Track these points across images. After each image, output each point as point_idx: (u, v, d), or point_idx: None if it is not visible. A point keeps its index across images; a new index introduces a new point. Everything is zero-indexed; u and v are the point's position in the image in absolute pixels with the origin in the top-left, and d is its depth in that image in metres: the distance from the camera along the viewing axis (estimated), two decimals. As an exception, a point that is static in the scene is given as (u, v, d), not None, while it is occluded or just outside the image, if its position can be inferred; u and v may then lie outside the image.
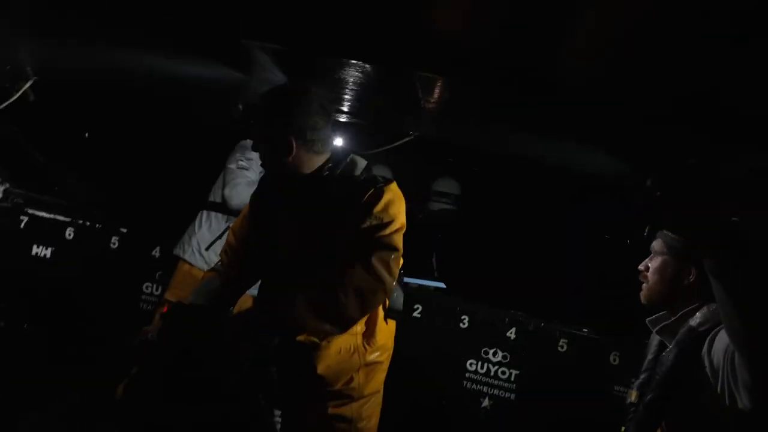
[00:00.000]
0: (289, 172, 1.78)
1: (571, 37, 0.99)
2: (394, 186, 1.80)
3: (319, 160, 1.79)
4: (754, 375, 1.25)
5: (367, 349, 1.85)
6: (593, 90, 1.19)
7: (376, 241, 1.69)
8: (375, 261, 1.66)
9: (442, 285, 2.93)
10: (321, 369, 1.77)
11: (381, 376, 1.94)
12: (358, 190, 1.74)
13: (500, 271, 3.59)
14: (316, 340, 1.75)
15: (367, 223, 1.70)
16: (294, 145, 1.72)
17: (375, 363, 1.88)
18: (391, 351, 1.97)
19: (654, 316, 1.74)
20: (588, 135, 1.55)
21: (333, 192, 1.76)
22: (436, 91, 1.76)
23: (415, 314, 3.08)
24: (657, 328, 1.73)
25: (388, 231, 1.71)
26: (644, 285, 1.73)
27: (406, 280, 2.95)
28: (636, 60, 0.99)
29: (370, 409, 1.91)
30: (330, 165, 1.80)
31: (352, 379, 1.83)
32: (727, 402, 1.38)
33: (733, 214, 1.05)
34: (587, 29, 0.95)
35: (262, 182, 2.00)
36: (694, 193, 1.08)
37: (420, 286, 3.22)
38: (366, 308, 1.73)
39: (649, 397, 1.65)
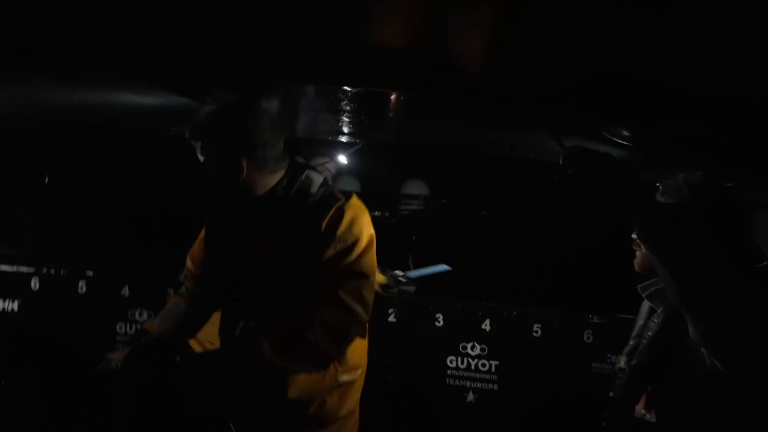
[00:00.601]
0: (242, 192, 1.69)
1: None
2: (354, 201, 1.73)
3: (272, 179, 1.70)
4: (702, 333, 1.28)
5: (338, 369, 1.76)
6: (500, 80, 1.22)
7: (343, 269, 1.63)
8: (344, 293, 1.60)
9: (446, 268, 2.89)
10: (292, 394, 1.69)
11: (355, 395, 1.86)
12: (316, 210, 1.66)
13: (469, 264, 3.62)
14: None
15: (332, 249, 1.62)
16: (245, 165, 1.62)
17: (348, 383, 1.81)
18: (365, 368, 1.90)
19: (645, 283, 1.78)
20: (521, 124, 1.58)
21: (290, 213, 1.68)
22: (386, 105, 1.77)
23: (390, 318, 3.10)
24: (646, 293, 1.76)
25: (355, 254, 1.65)
26: (637, 254, 1.76)
27: (410, 274, 2.93)
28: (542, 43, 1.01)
29: (346, 431, 1.85)
30: (284, 184, 1.70)
31: (324, 401, 1.75)
32: (707, 363, 1.41)
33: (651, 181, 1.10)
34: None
35: (216, 203, 1.90)
36: (599, 165, 1.12)
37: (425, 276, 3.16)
38: (342, 344, 1.67)
39: (636, 361, 1.69)
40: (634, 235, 1.75)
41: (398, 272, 2.75)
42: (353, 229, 1.66)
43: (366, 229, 1.71)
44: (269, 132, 1.65)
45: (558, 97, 1.13)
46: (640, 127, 1.53)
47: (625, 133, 1.38)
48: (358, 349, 1.85)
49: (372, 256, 1.71)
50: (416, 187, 4.44)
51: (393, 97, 1.59)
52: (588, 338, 2.96)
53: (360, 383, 1.89)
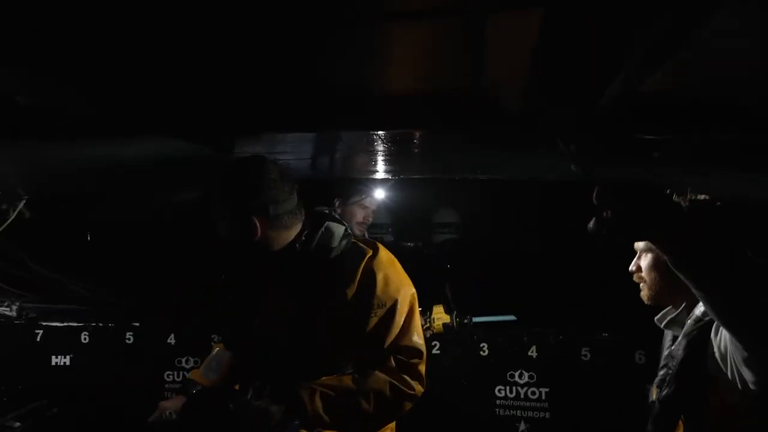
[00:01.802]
0: (260, 252, 1.60)
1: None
2: (382, 253, 1.67)
3: (289, 235, 1.61)
4: (749, 353, 1.25)
5: None
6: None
7: (392, 340, 1.58)
8: (401, 369, 1.56)
9: (512, 318, 2.90)
10: None
11: None
12: (343, 270, 1.59)
13: (509, 290, 3.58)
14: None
15: (373, 316, 1.56)
16: (257, 225, 1.53)
17: None
18: (394, 426, 1.84)
19: (660, 314, 1.74)
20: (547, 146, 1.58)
21: (312, 270, 1.60)
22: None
23: (434, 351, 3.07)
24: (664, 323, 1.72)
25: (399, 320, 1.59)
26: (643, 285, 1.73)
27: (476, 320, 2.95)
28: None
29: None
30: (303, 239, 1.61)
31: None
32: (739, 386, 1.36)
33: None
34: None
35: (236, 265, 1.84)
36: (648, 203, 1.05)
37: (491, 323, 3.16)
38: (394, 415, 1.64)
39: (664, 392, 1.63)
40: (632, 268, 1.73)
41: (466, 317, 2.79)
42: (390, 289, 1.60)
43: (403, 288, 1.64)
44: (279, 185, 1.55)
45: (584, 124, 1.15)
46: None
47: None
48: None
49: (418, 319, 1.66)
50: (447, 216, 4.46)
51: (419, 135, 1.61)
52: (640, 359, 2.87)
53: None
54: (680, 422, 1.60)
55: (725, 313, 1.18)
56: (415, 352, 1.62)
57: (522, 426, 3.00)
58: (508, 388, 3.02)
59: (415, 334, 1.64)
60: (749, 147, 1.60)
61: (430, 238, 4.47)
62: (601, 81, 1.09)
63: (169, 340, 3.17)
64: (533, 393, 3.00)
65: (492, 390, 3.03)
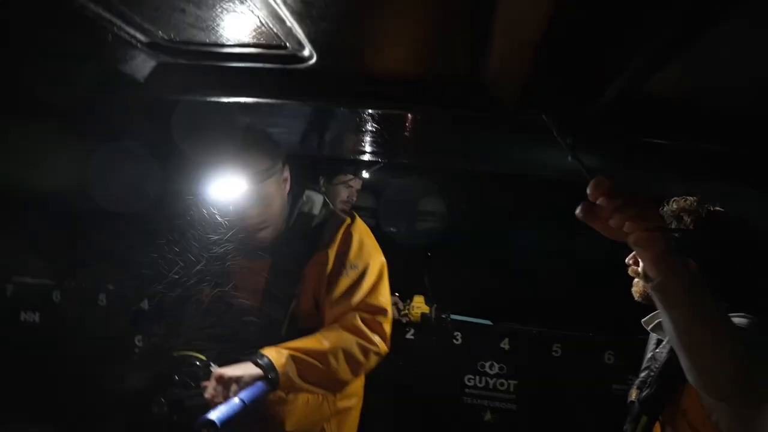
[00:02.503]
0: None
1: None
2: (359, 221, 1.76)
3: None
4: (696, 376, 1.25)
5: (336, 396, 1.76)
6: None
7: (360, 298, 1.65)
8: (366, 327, 1.62)
9: (488, 323, 2.96)
10: (289, 426, 1.68)
11: (354, 423, 1.87)
12: (324, 234, 1.67)
13: (487, 282, 3.60)
14: (282, 395, 1.65)
15: (346, 276, 1.64)
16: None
17: (346, 410, 1.81)
18: (362, 395, 1.90)
19: (647, 317, 1.76)
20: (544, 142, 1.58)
21: (296, 236, 1.69)
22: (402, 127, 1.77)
23: (408, 336, 3.09)
24: (651, 326, 1.74)
25: (368, 283, 1.66)
26: (636, 281, 1.74)
27: (453, 316, 2.97)
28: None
29: None
30: (287, 209, 1.72)
31: (323, 430, 1.76)
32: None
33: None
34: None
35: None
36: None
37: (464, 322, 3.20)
38: (359, 372, 1.69)
39: (644, 393, 1.66)
40: (629, 260, 1.74)
41: (445, 311, 2.82)
42: (363, 253, 1.67)
43: (375, 254, 1.72)
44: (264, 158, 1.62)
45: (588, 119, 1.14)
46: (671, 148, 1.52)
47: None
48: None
49: (386, 283, 1.72)
50: (433, 204, 4.45)
51: (415, 117, 1.60)
52: (609, 359, 2.92)
53: (358, 410, 1.89)
54: (657, 424, 1.63)
55: (681, 345, 1.18)
56: (380, 310, 1.67)
57: (488, 416, 3.04)
58: (477, 377, 3.06)
59: (382, 295, 1.69)
60: (742, 159, 1.62)
61: (413, 226, 4.46)
62: (604, 79, 1.09)
63: (142, 305, 3.13)
64: (502, 384, 3.04)
65: (462, 378, 3.06)
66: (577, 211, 0.97)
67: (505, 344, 3.04)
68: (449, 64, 1.13)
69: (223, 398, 1.43)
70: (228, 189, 1.62)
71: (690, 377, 1.24)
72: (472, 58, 1.06)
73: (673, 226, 1.62)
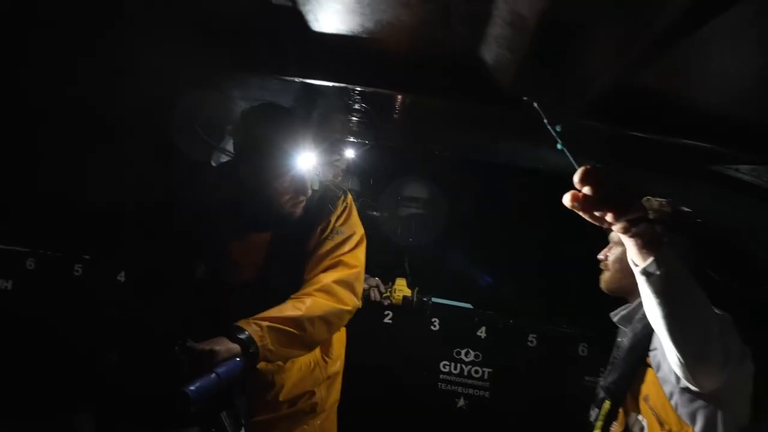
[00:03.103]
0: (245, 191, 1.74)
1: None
2: (350, 196, 1.84)
3: None
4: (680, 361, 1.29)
5: (327, 361, 1.84)
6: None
7: (338, 260, 1.71)
8: (338, 286, 1.67)
9: (469, 306, 2.98)
10: (284, 394, 1.75)
11: (339, 386, 1.95)
12: (325, 204, 1.77)
13: (468, 270, 3.63)
14: (280, 363, 1.72)
15: (331, 240, 1.72)
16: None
17: (335, 374, 1.89)
18: (344, 359, 1.98)
19: (616, 311, 1.80)
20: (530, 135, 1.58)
21: (306, 208, 1.76)
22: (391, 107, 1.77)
23: (386, 320, 3.10)
24: (617, 318, 1.78)
25: (348, 246, 1.74)
26: (605, 273, 1.79)
27: (435, 299, 2.97)
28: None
29: (330, 421, 1.90)
30: None
31: (314, 393, 1.81)
32: (674, 380, 1.43)
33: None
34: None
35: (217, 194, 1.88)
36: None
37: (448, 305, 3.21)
38: (333, 331, 1.75)
39: (608, 380, 1.70)
40: (601, 256, 1.79)
41: (426, 295, 2.83)
42: (349, 221, 1.78)
43: (359, 225, 1.82)
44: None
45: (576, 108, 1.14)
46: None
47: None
48: (341, 340, 1.96)
49: (363, 248, 1.81)
50: (416, 190, 4.44)
51: (401, 99, 1.60)
52: (583, 351, 2.97)
53: (341, 374, 1.97)
54: (621, 410, 1.67)
55: (665, 329, 1.22)
56: (353, 266, 1.74)
57: (461, 402, 3.08)
58: (453, 364, 3.09)
59: (356, 257, 1.77)
60: (718, 158, 1.65)
61: (395, 211, 4.45)
62: (595, 70, 1.09)
63: (119, 277, 3.09)
64: (477, 372, 3.07)
65: (437, 365, 3.09)
66: (565, 198, 0.98)
67: (482, 332, 3.07)
68: (443, 48, 1.11)
69: (199, 372, 1.42)
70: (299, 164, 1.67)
71: (677, 364, 1.28)
72: (467, 44, 1.05)
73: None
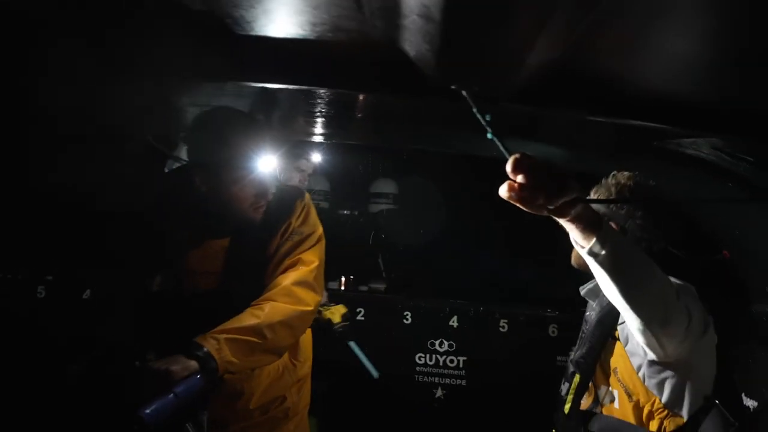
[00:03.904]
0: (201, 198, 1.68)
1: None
2: (308, 196, 1.82)
3: None
4: (640, 332, 1.33)
5: (296, 364, 1.80)
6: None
7: (297, 259, 1.68)
8: (297, 287, 1.64)
9: (375, 374, 2.91)
10: (255, 401, 1.71)
11: (309, 388, 1.91)
12: (284, 205, 1.73)
13: (436, 262, 3.66)
14: (251, 371, 1.67)
15: (290, 240, 1.70)
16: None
17: (304, 377, 1.85)
18: (311, 360, 1.94)
19: (584, 285, 1.83)
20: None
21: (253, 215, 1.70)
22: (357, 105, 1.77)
23: (359, 317, 3.11)
24: (584, 292, 1.81)
25: (307, 245, 1.71)
26: (573, 250, 1.81)
27: (351, 344, 2.88)
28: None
29: (304, 424, 1.87)
30: None
31: (285, 398, 1.78)
32: (642, 353, 1.47)
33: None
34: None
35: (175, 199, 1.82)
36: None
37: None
38: (297, 334, 1.71)
39: (577, 353, 1.73)
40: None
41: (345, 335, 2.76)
42: (309, 221, 1.75)
43: (317, 225, 1.79)
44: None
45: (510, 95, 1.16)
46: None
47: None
48: (308, 341, 1.92)
49: (323, 247, 1.78)
50: (384, 186, 4.46)
51: (361, 98, 1.60)
52: (553, 332, 3.02)
53: (310, 375, 1.93)
54: (592, 385, 1.70)
55: (621, 301, 1.24)
56: (311, 263, 1.71)
57: (439, 392, 3.10)
58: (428, 356, 3.11)
59: (314, 254, 1.74)
60: (660, 135, 1.68)
61: (366, 208, 4.46)
62: (519, 53, 1.10)
63: (84, 296, 3.04)
64: (452, 361, 3.10)
65: (413, 357, 3.11)
66: (501, 191, 0.95)
67: (453, 322, 3.10)
68: (370, 43, 1.12)
69: (156, 392, 1.38)
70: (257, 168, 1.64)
71: (641, 333, 1.31)
72: (387, 38, 1.05)
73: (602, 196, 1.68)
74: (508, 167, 0.94)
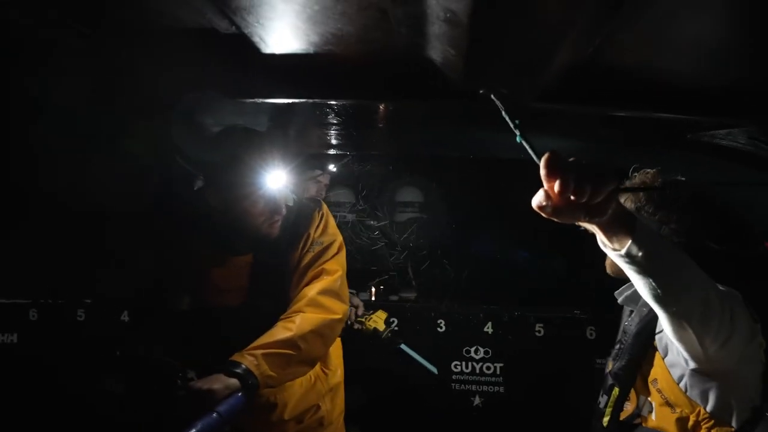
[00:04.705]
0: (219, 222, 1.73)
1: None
2: (325, 207, 1.85)
3: None
4: (676, 337, 1.28)
5: (327, 373, 1.83)
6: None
7: (320, 270, 1.71)
8: (324, 297, 1.66)
9: (434, 370, 2.94)
10: (289, 412, 1.73)
11: (343, 396, 1.93)
12: (302, 217, 1.77)
13: (469, 268, 3.62)
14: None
15: (311, 251, 1.72)
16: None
17: (337, 385, 1.88)
18: (343, 368, 1.96)
19: (620, 289, 1.78)
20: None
21: (282, 226, 1.74)
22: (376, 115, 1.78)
23: (393, 327, 3.09)
24: (621, 299, 1.76)
25: (329, 254, 1.74)
26: (607, 257, 1.76)
27: (403, 347, 2.91)
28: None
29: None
30: None
31: (319, 407, 1.80)
32: (684, 363, 1.42)
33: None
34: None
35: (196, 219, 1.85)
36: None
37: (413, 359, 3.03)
38: (328, 343, 1.74)
39: (617, 365, 1.68)
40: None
41: (396, 340, 2.79)
42: (328, 231, 1.78)
43: (337, 233, 1.82)
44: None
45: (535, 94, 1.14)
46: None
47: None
48: (338, 349, 1.95)
49: (344, 255, 1.81)
50: (410, 194, 4.45)
51: (383, 107, 1.60)
52: (591, 334, 2.95)
53: (343, 383, 1.96)
54: (633, 393, 1.65)
55: (659, 303, 1.20)
56: (335, 272, 1.74)
57: (477, 400, 3.06)
58: (464, 363, 3.07)
59: (338, 262, 1.77)
60: (694, 127, 1.64)
61: (393, 217, 4.45)
62: (547, 54, 1.09)
63: (122, 317, 3.10)
64: (488, 368, 3.06)
65: (449, 365, 3.08)
66: (536, 200, 0.89)
67: (488, 328, 3.06)
68: (393, 51, 1.12)
69: (199, 412, 1.40)
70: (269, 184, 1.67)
71: (679, 338, 1.26)
72: (412, 45, 1.05)
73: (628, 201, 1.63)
74: (542, 168, 0.88)
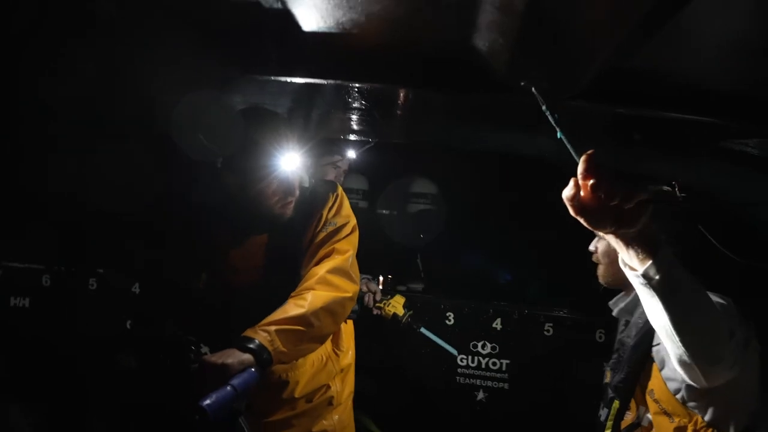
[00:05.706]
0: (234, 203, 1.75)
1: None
2: (340, 189, 1.87)
3: None
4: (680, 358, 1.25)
5: (338, 354, 1.86)
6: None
7: (331, 249, 1.73)
8: (334, 275, 1.67)
9: (454, 352, 2.98)
10: (299, 390, 1.75)
11: (353, 378, 1.96)
12: (318, 197, 1.78)
13: (480, 264, 3.61)
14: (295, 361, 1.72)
15: (324, 231, 1.74)
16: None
17: (347, 367, 1.91)
18: (354, 351, 1.99)
19: (614, 300, 1.78)
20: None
21: (297, 207, 1.76)
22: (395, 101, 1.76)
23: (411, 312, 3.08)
24: (616, 311, 1.76)
25: (342, 235, 1.75)
26: (599, 266, 1.76)
27: (423, 330, 2.93)
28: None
29: (347, 414, 1.91)
30: None
31: (329, 387, 1.83)
32: (680, 378, 1.41)
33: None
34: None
35: (209, 203, 1.86)
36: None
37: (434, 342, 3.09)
38: (339, 321, 1.75)
39: (616, 378, 1.68)
40: (591, 248, 1.75)
41: (417, 323, 2.82)
42: (342, 212, 1.80)
43: (351, 215, 1.84)
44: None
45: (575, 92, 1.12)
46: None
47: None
48: (349, 332, 1.98)
49: (357, 237, 1.82)
50: (424, 186, 4.43)
51: (403, 94, 1.59)
52: (600, 337, 2.94)
53: (353, 366, 1.99)
54: (633, 403, 1.65)
55: (667, 328, 1.16)
56: (346, 251, 1.75)
57: (480, 395, 3.07)
58: (470, 357, 3.08)
59: (350, 243, 1.79)
60: (728, 133, 1.62)
61: (405, 208, 4.44)
62: (590, 54, 1.07)
63: (133, 289, 3.12)
64: (494, 364, 3.06)
65: (455, 359, 3.08)
66: (567, 192, 0.89)
67: (497, 324, 3.06)
68: (435, 38, 1.10)
69: (213, 386, 1.41)
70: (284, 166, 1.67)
71: (685, 367, 1.22)
72: (458, 33, 1.04)
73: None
74: (581, 164, 0.88)
